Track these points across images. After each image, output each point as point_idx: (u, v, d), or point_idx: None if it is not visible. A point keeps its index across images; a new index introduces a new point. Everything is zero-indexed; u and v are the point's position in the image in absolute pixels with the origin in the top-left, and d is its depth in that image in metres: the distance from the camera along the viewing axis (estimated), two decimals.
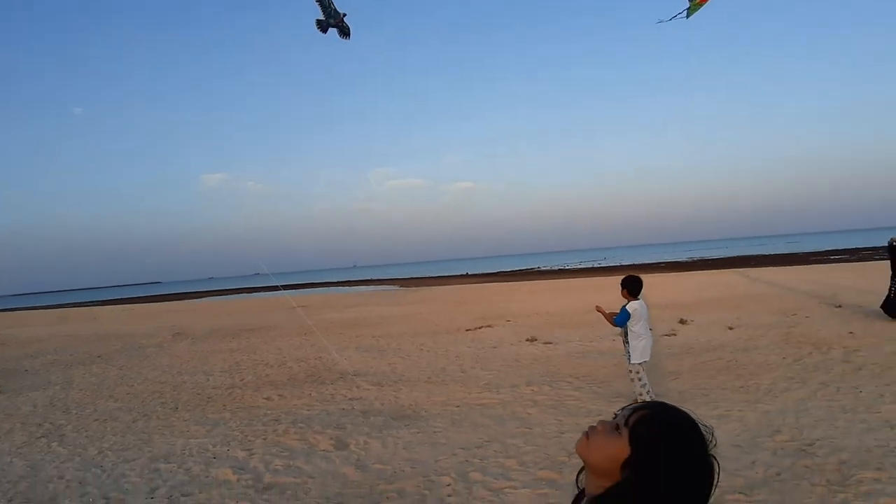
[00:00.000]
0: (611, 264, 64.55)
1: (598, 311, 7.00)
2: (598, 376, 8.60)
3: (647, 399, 6.72)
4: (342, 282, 77.41)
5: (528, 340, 12.30)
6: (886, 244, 12.00)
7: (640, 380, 6.72)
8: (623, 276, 7.02)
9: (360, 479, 5.28)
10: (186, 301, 52.34)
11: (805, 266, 33.79)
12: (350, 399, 8.32)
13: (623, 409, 1.34)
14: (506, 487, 4.77)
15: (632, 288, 6.76)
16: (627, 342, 6.78)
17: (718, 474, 1.25)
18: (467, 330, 14.92)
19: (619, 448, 1.25)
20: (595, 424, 1.34)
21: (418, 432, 6.49)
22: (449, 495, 4.76)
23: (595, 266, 64.67)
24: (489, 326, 15.27)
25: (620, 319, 6.70)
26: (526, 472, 5.04)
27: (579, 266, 68.90)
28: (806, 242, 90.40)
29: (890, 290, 11.56)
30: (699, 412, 5.70)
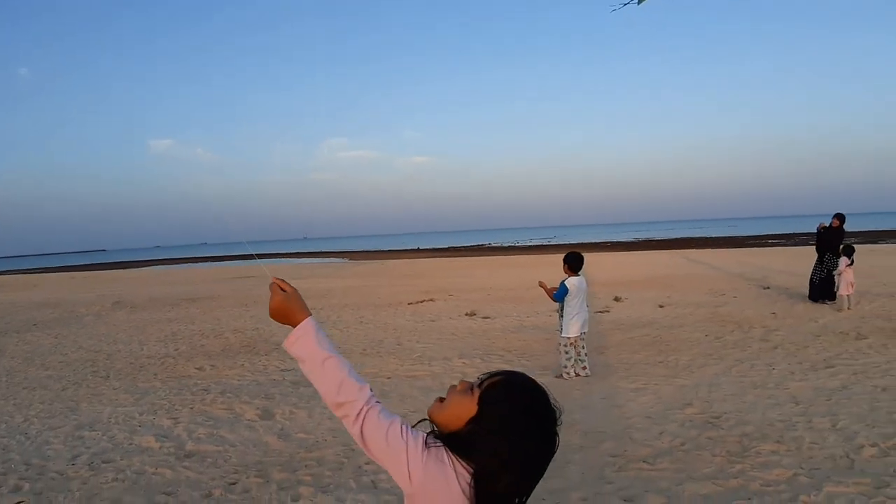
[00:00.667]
0: (560, 242, 65.39)
1: (541, 286, 7.13)
2: (529, 350, 8.76)
3: (571, 373, 6.90)
4: (290, 254, 76.34)
5: (467, 314, 12.41)
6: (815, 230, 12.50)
7: (566, 353, 6.90)
8: (566, 253, 7.15)
9: (281, 448, 5.30)
10: (131, 269, 50.85)
11: (742, 249, 34.98)
12: (282, 370, 8.29)
13: (484, 374, 1.40)
14: None
15: (573, 264, 6.91)
16: (562, 316, 6.94)
17: (557, 448, 1.33)
18: (409, 303, 14.96)
19: (469, 407, 1.32)
20: (456, 384, 1.40)
21: None
22: (367, 463, 4.81)
23: (544, 244, 65.40)
24: (431, 300, 15.34)
25: (559, 294, 6.86)
26: None
27: (529, 243, 69.60)
28: (747, 226, 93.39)
29: (814, 274, 12.04)
30: (619, 385, 5.94)
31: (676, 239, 56.87)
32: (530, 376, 1.39)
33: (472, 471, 1.28)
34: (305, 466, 4.85)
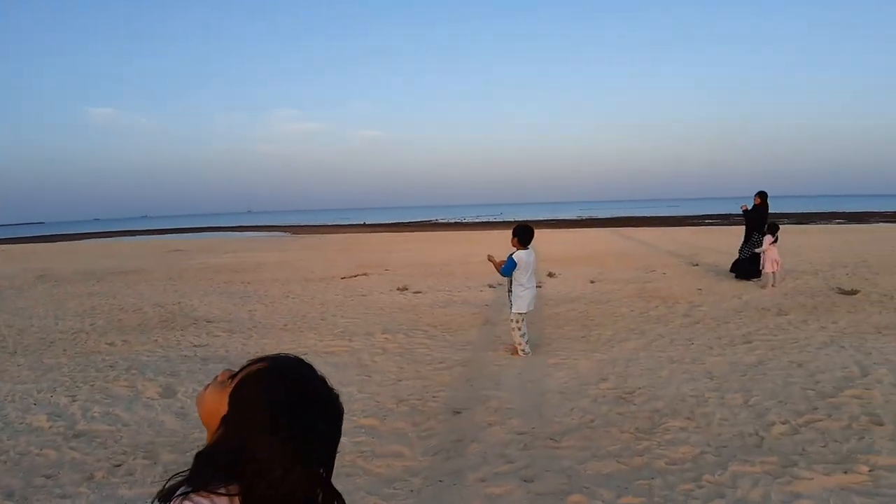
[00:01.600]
0: (506, 219, 65.66)
1: (490, 260, 6.80)
2: (454, 325, 8.55)
3: (527, 348, 6.65)
4: (233, 227, 74.51)
5: (398, 289, 12.13)
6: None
7: (518, 330, 6.63)
8: (515, 226, 6.77)
9: (176, 428, 4.97)
10: (66, 242, 48.29)
11: (679, 227, 35.71)
12: (195, 346, 7.88)
13: (250, 360, 1.15)
14: None
15: (522, 237, 6.54)
16: (511, 291, 6.64)
17: (334, 447, 1.13)
18: (342, 278, 14.58)
19: (221, 403, 1.10)
20: (219, 374, 1.17)
21: None
22: None
23: (491, 220, 65.59)
24: (365, 275, 15.00)
25: (507, 269, 6.51)
26: (348, 420, 4.84)
27: (476, 220, 69.72)
28: (687, 206, 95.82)
29: (741, 252, 12.22)
30: (539, 360, 5.74)
31: (617, 217, 57.76)
32: (301, 361, 1.14)
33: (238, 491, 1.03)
34: (197, 447, 4.51)
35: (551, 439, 4.27)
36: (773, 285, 10.83)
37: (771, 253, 10.88)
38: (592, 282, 12.30)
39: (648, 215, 61.61)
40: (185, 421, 5.12)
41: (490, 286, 12.19)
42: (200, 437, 4.80)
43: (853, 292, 9.90)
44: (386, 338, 7.86)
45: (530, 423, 4.59)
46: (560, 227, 42.10)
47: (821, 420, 4.49)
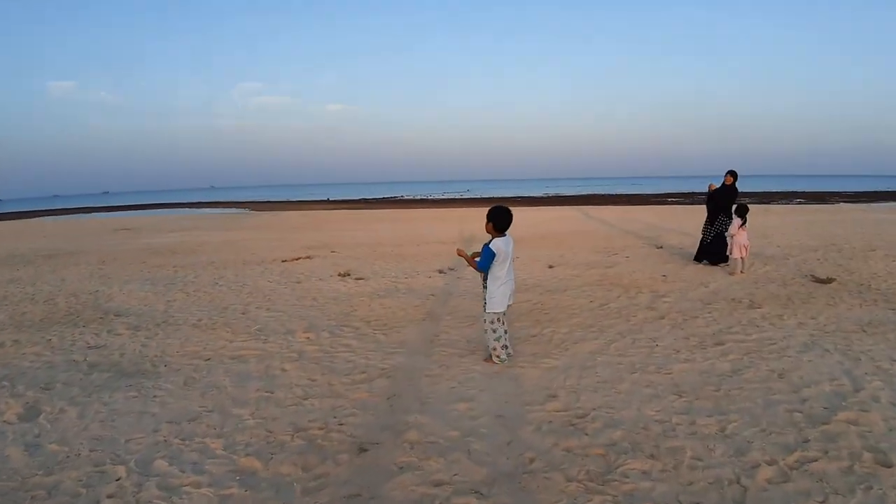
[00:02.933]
0: (472, 196, 64.81)
1: (460, 255, 5.63)
2: (391, 320, 7.52)
3: (503, 354, 5.60)
4: (191, 203, 72.24)
5: (339, 275, 11.07)
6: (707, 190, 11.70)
7: (494, 332, 5.49)
8: (490, 207, 5.51)
9: (18, 466, 3.89)
10: (14, 221, 45.84)
11: (642, 206, 35.12)
12: (89, 347, 6.74)
13: None
14: (187, 484, 3.52)
15: (498, 222, 5.32)
16: (486, 288, 5.54)
17: None
18: (283, 261, 13.45)
19: None
20: None
21: (135, 396, 5.09)
22: (109, 496, 3.47)
23: (456, 197, 64.59)
24: (308, 258, 13.87)
25: (484, 264, 5.32)
26: (226, 461, 3.81)
27: (442, 196, 68.68)
28: (650, 185, 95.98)
29: (704, 234, 11.38)
30: (477, 369, 4.46)
31: (581, 195, 57.21)
32: None
33: None
34: (31, 498, 3.47)
35: (475, 493, 3.28)
36: (741, 272, 10.04)
37: (740, 237, 10.04)
38: (551, 266, 11.36)
39: (613, 193, 61.28)
40: (34, 455, 4.03)
41: (440, 272, 11.19)
42: (41, 483, 3.71)
43: (829, 280, 9.15)
44: (307, 337, 6.80)
45: (452, 468, 3.58)
46: (525, 205, 41.26)
47: (815, 459, 3.58)
